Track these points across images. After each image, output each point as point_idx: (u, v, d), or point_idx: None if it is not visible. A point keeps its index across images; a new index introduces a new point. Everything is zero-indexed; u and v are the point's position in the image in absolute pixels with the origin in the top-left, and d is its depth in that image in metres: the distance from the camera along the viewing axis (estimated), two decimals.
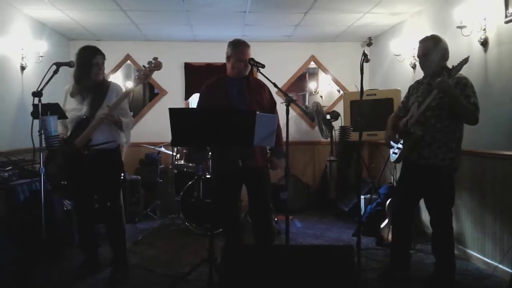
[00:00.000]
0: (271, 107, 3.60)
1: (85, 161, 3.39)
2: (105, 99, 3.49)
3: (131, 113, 3.84)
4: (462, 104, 3.14)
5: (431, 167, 3.30)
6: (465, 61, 3.16)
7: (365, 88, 3.40)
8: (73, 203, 3.94)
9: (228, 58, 3.54)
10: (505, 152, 3.58)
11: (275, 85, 3.37)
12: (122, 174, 4.65)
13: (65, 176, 3.46)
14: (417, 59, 3.62)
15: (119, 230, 3.66)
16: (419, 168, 3.36)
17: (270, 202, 3.64)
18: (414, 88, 3.56)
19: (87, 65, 3.47)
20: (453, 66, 3.16)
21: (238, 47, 3.51)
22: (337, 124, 6.31)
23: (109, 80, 3.79)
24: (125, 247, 3.74)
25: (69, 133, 3.48)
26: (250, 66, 3.53)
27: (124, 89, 3.60)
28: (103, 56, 3.56)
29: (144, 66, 3.43)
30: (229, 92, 3.50)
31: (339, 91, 7.25)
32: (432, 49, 3.34)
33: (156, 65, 3.40)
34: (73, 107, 3.50)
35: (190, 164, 5.43)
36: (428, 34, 4.80)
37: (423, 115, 3.28)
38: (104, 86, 3.57)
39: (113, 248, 3.65)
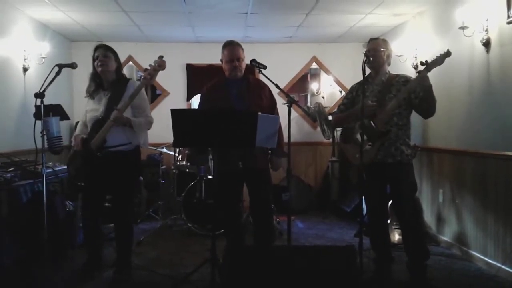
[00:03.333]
0: (271, 107, 3.60)
1: (98, 163, 3.38)
2: (122, 98, 3.43)
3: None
4: (433, 95, 3.29)
5: (398, 163, 3.40)
6: (447, 54, 3.23)
7: None
8: (82, 202, 3.93)
9: (221, 60, 3.58)
10: (508, 153, 3.58)
11: (277, 86, 3.38)
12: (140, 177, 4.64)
13: (81, 177, 3.47)
14: (418, 61, 3.63)
15: (129, 232, 3.64)
16: (386, 166, 3.40)
17: (271, 202, 3.65)
18: (357, 89, 3.58)
19: (92, 62, 3.50)
20: (431, 60, 3.20)
21: (224, 49, 3.56)
22: None
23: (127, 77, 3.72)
24: (131, 250, 3.71)
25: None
26: (243, 66, 3.54)
27: None
28: (103, 48, 3.51)
29: (150, 65, 3.38)
30: (228, 93, 3.51)
31: (341, 92, 7.25)
32: (382, 46, 3.49)
33: (160, 64, 3.35)
34: (92, 108, 3.51)
35: (189, 165, 5.43)
36: (430, 35, 4.85)
37: (387, 114, 3.35)
38: (122, 85, 3.51)
39: (119, 249, 3.62)
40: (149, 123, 3.56)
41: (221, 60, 3.59)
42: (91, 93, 3.54)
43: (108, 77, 3.51)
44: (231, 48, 3.53)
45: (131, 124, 3.41)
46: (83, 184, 3.54)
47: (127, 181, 3.59)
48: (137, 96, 3.39)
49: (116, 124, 3.34)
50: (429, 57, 3.35)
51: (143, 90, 3.53)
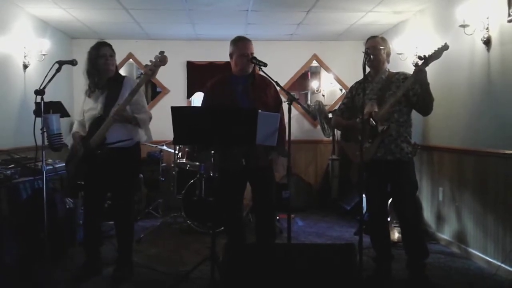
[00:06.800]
0: (276, 105, 3.58)
1: (98, 160, 3.37)
2: (120, 95, 3.42)
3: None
4: (430, 93, 3.28)
5: (398, 161, 3.39)
6: (444, 47, 3.22)
7: None
8: (83, 200, 3.92)
9: (231, 55, 3.55)
10: (508, 151, 3.57)
11: (277, 84, 3.38)
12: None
13: (81, 175, 3.46)
14: (418, 58, 3.63)
15: (130, 230, 3.62)
16: (386, 164, 3.40)
17: (274, 201, 3.63)
18: (357, 88, 3.60)
19: (94, 59, 3.43)
20: (428, 54, 3.19)
21: (239, 42, 3.52)
22: None
23: (123, 75, 3.70)
24: (132, 247, 3.69)
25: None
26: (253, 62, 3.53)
27: None
28: (109, 47, 3.50)
29: (150, 60, 3.35)
30: (233, 90, 3.50)
31: (341, 90, 7.25)
32: (382, 45, 3.48)
33: (161, 59, 3.32)
34: (90, 107, 3.47)
35: (188, 165, 5.42)
36: (431, 32, 4.85)
37: (387, 111, 3.34)
38: (118, 82, 3.50)
39: (120, 247, 3.60)
40: (150, 119, 3.58)
41: (230, 56, 3.55)
42: (88, 93, 3.49)
43: (108, 75, 3.48)
44: (246, 43, 3.51)
45: (137, 121, 3.41)
46: (83, 182, 3.53)
47: (128, 178, 3.58)
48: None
49: (117, 121, 3.32)
50: None
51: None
